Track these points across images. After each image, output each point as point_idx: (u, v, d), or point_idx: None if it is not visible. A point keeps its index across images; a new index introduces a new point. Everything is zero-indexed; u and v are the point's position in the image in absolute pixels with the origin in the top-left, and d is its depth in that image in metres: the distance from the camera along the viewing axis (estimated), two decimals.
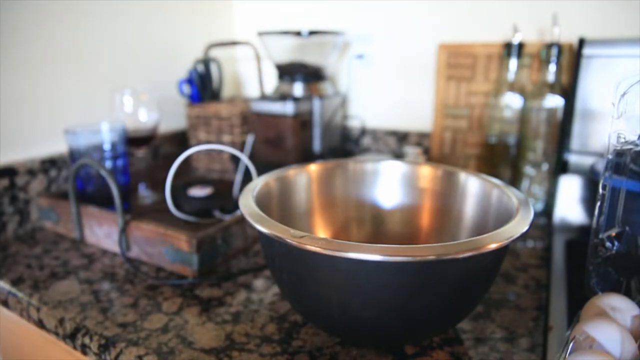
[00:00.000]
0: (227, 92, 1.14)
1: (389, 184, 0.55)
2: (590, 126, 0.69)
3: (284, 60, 0.93)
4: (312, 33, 0.88)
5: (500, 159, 0.79)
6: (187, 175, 0.92)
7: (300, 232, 0.33)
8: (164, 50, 0.96)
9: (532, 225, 0.36)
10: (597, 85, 0.67)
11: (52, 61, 0.74)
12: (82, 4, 0.78)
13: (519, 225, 0.35)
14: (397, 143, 0.97)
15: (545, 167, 0.73)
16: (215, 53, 1.02)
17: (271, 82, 1.10)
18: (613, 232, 0.43)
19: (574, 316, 0.40)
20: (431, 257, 0.30)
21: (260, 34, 0.92)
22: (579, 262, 0.49)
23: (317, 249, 0.32)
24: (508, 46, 0.75)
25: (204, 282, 0.53)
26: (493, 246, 0.32)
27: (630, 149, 0.41)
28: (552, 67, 0.71)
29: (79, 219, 0.64)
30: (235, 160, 0.74)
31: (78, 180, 0.66)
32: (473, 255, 0.31)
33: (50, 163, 0.73)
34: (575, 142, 0.69)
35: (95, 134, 0.66)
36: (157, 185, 0.80)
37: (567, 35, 0.74)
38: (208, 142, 0.90)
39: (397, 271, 0.33)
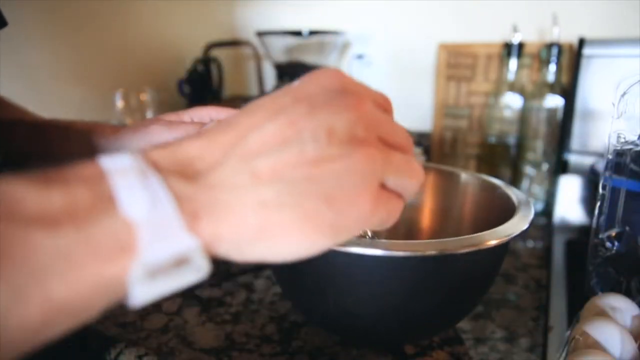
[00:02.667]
0: (227, 92, 1.14)
1: None
2: (590, 126, 0.69)
3: (284, 60, 0.93)
4: (312, 33, 0.88)
5: (500, 159, 0.79)
6: None
7: None
8: (164, 50, 0.96)
9: (532, 223, 0.36)
10: (597, 85, 0.67)
11: (52, 61, 0.74)
12: (82, 4, 0.78)
13: (520, 223, 0.35)
14: None
15: (545, 167, 0.73)
16: (215, 53, 1.02)
17: (271, 82, 1.10)
18: (613, 232, 0.43)
19: (574, 316, 0.40)
20: (432, 253, 0.30)
21: (260, 34, 0.92)
22: (579, 262, 0.49)
23: None
24: (508, 46, 0.75)
25: (204, 282, 0.53)
26: (493, 243, 0.32)
27: (630, 149, 0.41)
28: (552, 67, 0.71)
29: None
30: None
31: None
32: (473, 252, 0.31)
33: None
34: (575, 142, 0.69)
35: None
36: None
37: (567, 35, 0.74)
38: None
39: (397, 267, 0.33)
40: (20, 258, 0.14)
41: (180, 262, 0.17)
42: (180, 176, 0.17)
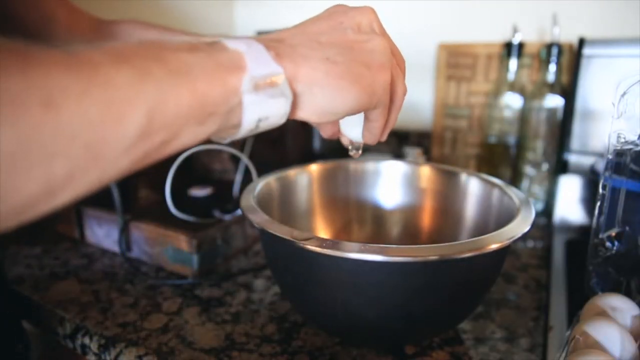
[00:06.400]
0: None
1: (389, 184, 0.55)
2: (590, 126, 0.69)
3: None
4: None
5: (500, 159, 0.79)
6: (187, 175, 0.92)
7: (303, 232, 0.33)
8: None
9: (532, 224, 0.36)
10: (597, 85, 0.67)
11: None
12: (83, 5, 0.78)
13: (521, 226, 0.35)
14: (397, 143, 0.97)
15: (545, 167, 0.73)
16: None
17: None
18: (613, 232, 0.43)
19: (574, 316, 0.40)
20: (433, 258, 0.30)
21: (261, 33, 0.92)
22: (579, 262, 0.49)
23: (320, 250, 0.32)
24: (508, 46, 0.75)
25: (204, 282, 0.53)
26: (495, 246, 0.32)
27: (630, 149, 0.42)
28: (552, 67, 0.71)
29: (79, 219, 0.64)
30: (235, 160, 0.74)
31: None
32: (475, 255, 0.31)
33: None
34: (575, 142, 0.69)
35: None
36: (157, 185, 0.80)
37: (567, 35, 0.74)
38: (208, 142, 0.90)
39: (399, 271, 0.33)
40: (172, 62, 0.21)
41: (273, 84, 0.24)
42: (268, 40, 0.26)
